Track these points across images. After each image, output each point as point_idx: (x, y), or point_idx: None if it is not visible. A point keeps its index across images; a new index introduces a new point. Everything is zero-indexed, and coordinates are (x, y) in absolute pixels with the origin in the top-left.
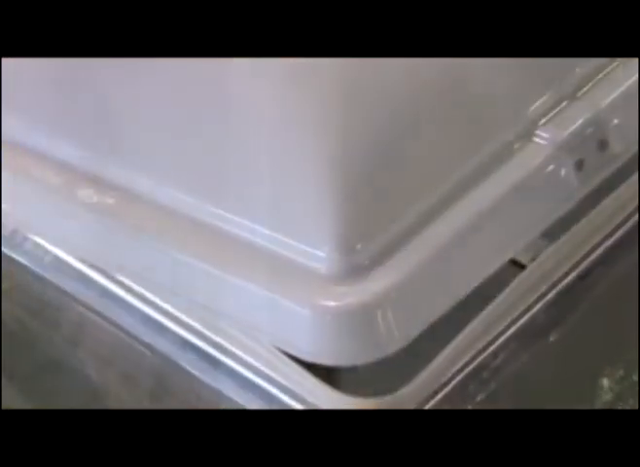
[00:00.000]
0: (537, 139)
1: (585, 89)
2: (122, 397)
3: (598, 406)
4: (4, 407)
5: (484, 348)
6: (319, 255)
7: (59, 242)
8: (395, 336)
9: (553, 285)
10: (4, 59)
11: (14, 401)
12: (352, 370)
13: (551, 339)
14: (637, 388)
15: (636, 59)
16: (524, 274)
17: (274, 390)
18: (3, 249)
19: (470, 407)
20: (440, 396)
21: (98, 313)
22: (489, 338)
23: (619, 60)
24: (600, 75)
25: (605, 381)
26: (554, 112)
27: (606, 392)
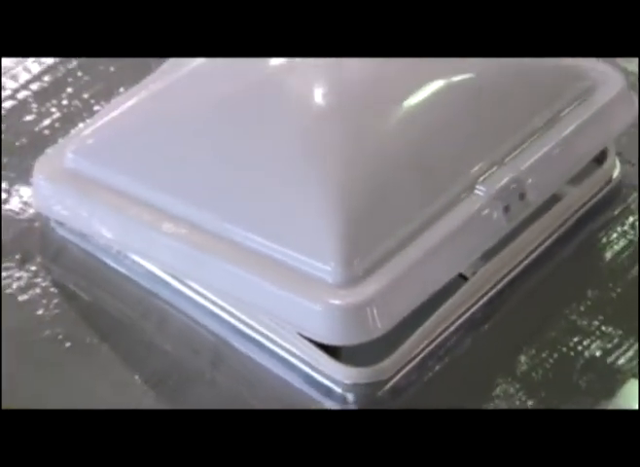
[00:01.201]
0: (477, 192)
1: (509, 157)
2: (190, 366)
3: (518, 374)
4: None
5: (440, 334)
6: (327, 269)
7: (149, 259)
8: (379, 325)
9: (487, 292)
10: (113, 120)
11: (116, 369)
12: (350, 348)
13: (486, 328)
14: (545, 363)
15: (545, 137)
16: (468, 284)
17: (297, 362)
18: (111, 263)
19: (430, 374)
20: (409, 367)
21: (176, 308)
22: (444, 327)
23: (536, 136)
24: (522, 147)
25: (522, 357)
26: (489, 173)
27: (523, 365)
